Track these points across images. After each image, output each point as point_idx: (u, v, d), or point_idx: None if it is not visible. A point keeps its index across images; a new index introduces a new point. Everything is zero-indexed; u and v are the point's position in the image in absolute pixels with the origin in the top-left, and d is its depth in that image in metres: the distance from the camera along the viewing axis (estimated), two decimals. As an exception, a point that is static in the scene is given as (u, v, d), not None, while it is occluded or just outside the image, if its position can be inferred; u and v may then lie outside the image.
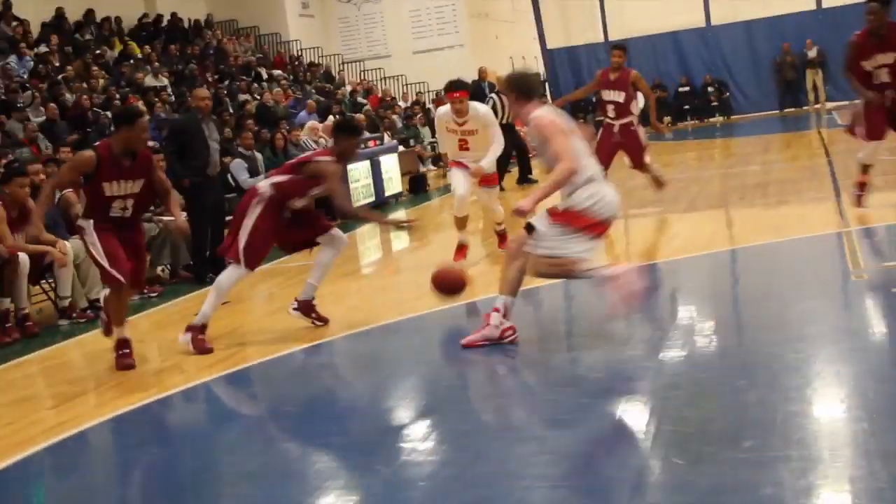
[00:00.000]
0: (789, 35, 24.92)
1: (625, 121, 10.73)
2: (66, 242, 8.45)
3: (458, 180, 8.53)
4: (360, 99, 22.70)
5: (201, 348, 6.50)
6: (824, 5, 24.84)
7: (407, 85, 25.56)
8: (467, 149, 8.47)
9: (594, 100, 11.38)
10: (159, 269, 9.74)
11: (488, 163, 8.36)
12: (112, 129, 14.47)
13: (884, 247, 7.69)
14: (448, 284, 6.19)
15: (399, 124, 20.99)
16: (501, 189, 12.77)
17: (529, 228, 5.55)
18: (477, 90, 14.89)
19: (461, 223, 8.73)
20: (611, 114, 10.78)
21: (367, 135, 17.84)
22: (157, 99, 16.59)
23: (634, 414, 4.40)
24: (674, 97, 26.04)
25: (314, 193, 6.73)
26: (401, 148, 18.09)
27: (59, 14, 19.36)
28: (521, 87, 5.70)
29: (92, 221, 6.25)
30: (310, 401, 5.49)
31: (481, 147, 8.37)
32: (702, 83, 25.91)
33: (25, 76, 16.00)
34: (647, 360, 5.24)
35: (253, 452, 4.64)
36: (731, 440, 3.86)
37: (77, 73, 16.77)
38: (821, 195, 10.46)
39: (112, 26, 20.47)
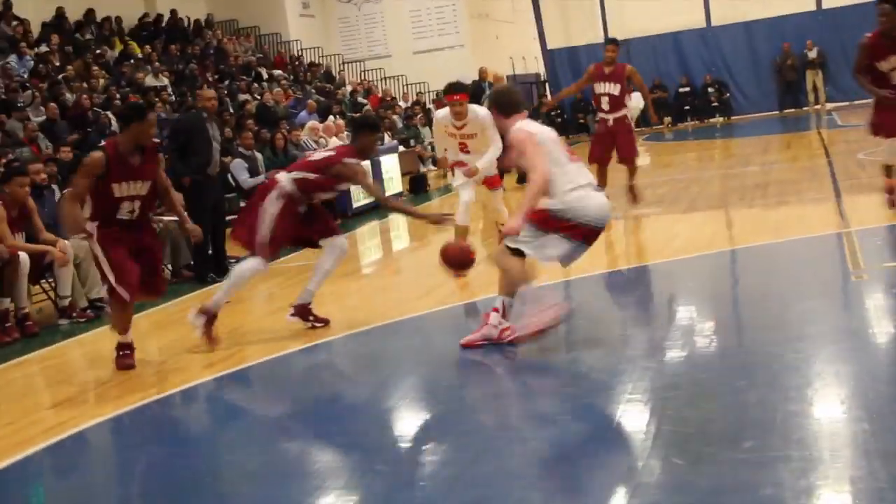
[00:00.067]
0: (789, 36, 24.92)
1: (619, 114, 10.72)
2: (66, 242, 8.45)
3: (464, 185, 8.43)
4: (360, 99, 22.70)
5: (208, 338, 6.57)
6: (824, 6, 24.85)
7: (407, 85, 25.56)
8: (468, 152, 8.42)
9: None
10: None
11: (483, 164, 8.33)
12: (115, 127, 14.57)
13: (884, 247, 7.69)
14: (456, 258, 6.21)
15: (399, 124, 21.00)
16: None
17: None
18: (477, 90, 14.87)
19: (463, 231, 8.50)
20: (605, 106, 10.76)
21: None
22: (157, 99, 16.59)
23: (634, 414, 4.40)
24: (674, 98, 26.04)
25: (340, 189, 6.81)
26: (401, 148, 18.10)
27: (60, 14, 19.36)
28: (502, 103, 5.91)
29: (97, 224, 6.19)
30: (310, 401, 5.49)
31: (481, 150, 8.35)
32: (702, 84, 25.92)
33: (26, 76, 16.00)
34: (647, 360, 5.24)
35: (253, 452, 4.64)
36: (731, 440, 3.86)
37: (77, 72, 16.77)
38: (821, 196, 10.46)
39: (112, 26, 20.47)
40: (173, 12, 22.41)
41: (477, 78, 17.72)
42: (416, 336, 6.63)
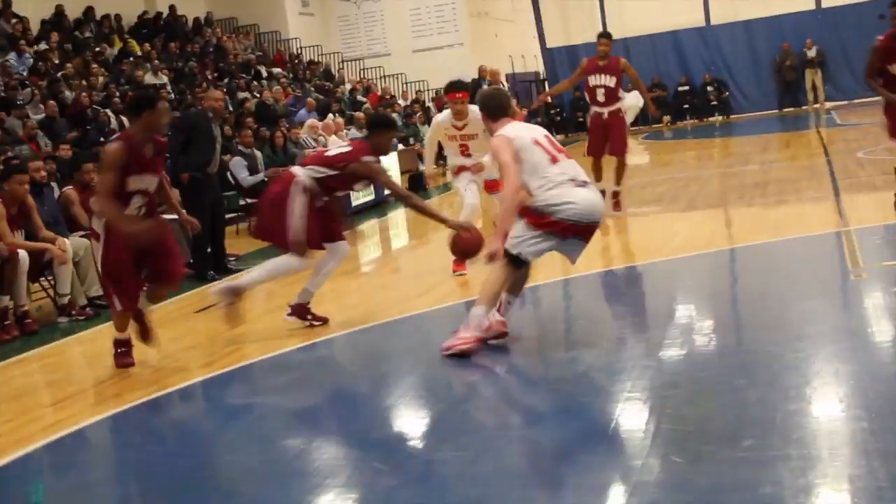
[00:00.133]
0: (789, 35, 24.93)
1: (613, 107, 10.69)
2: (65, 240, 8.46)
3: (469, 190, 8.29)
4: (359, 97, 22.70)
5: (230, 315, 6.69)
6: (824, 5, 24.86)
7: (406, 83, 25.55)
8: (468, 154, 8.35)
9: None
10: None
11: (488, 161, 8.29)
12: (114, 125, 14.57)
13: (883, 246, 7.69)
14: (466, 247, 6.22)
15: (398, 123, 21.00)
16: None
17: None
18: (477, 88, 14.87)
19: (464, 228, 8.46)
20: (601, 98, 10.70)
21: (366, 133, 17.86)
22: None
23: (634, 412, 4.40)
24: (673, 96, 26.05)
25: (356, 188, 6.82)
26: (400, 146, 18.08)
27: (59, 11, 19.35)
28: (490, 107, 5.95)
29: (105, 222, 6.08)
30: (309, 399, 5.49)
31: (482, 152, 8.29)
32: (701, 82, 25.93)
33: (25, 73, 16.00)
34: (646, 358, 5.24)
35: (252, 450, 4.64)
36: (730, 439, 3.87)
37: (77, 70, 16.76)
38: (820, 195, 10.46)
39: (112, 24, 20.46)
40: (173, 10, 22.40)
41: (477, 76, 17.73)
42: (416, 334, 6.63)
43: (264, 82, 20.63)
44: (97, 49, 18.53)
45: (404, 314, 7.03)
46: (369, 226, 12.38)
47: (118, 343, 6.35)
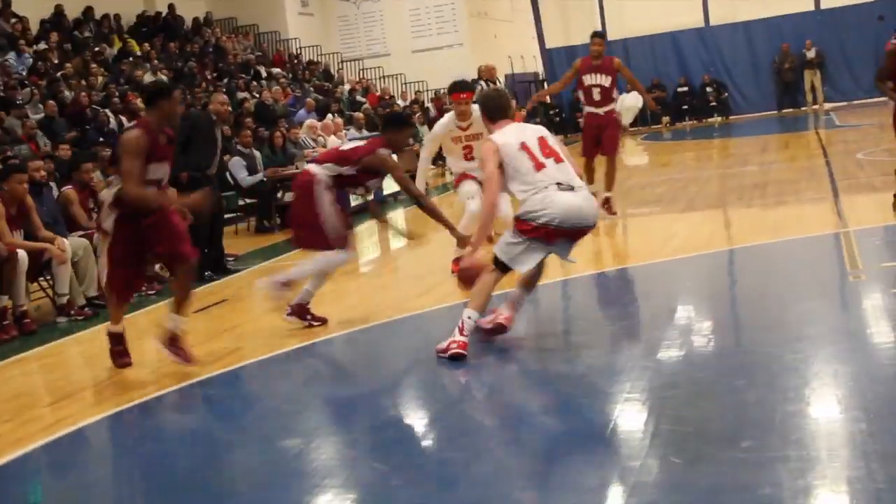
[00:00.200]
0: (788, 36, 24.93)
1: (608, 107, 10.66)
2: (64, 240, 8.46)
3: (471, 195, 8.19)
4: (358, 97, 22.70)
5: (287, 305, 6.82)
6: (823, 6, 24.86)
7: (406, 84, 25.56)
8: (472, 158, 8.29)
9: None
10: (157, 266, 9.72)
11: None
12: (113, 125, 14.57)
13: (882, 247, 7.70)
14: (473, 277, 6.27)
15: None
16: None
17: None
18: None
19: (467, 240, 8.41)
20: (596, 97, 10.64)
21: (365, 133, 17.86)
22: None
23: (633, 413, 4.40)
24: (672, 97, 26.05)
25: (370, 185, 6.87)
26: (400, 147, 18.04)
27: (59, 11, 19.36)
28: (489, 108, 5.96)
29: (116, 216, 5.94)
30: (308, 399, 5.49)
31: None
32: (700, 83, 25.93)
33: (24, 73, 16.00)
34: (645, 359, 5.25)
35: (252, 450, 4.64)
36: (729, 440, 3.87)
37: (76, 70, 16.77)
38: (819, 196, 10.46)
39: (111, 24, 20.47)
40: (172, 10, 22.41)
41: (476, 77, 17.72)
42: (416, 335, 6.63)
43: (263, 82, 20.64)
44: (96, 49, 18.54)
45: (404, 314, 7.03)
46: (368, 226, 12.37)
47: (113, 338, 6.30)
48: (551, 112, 25.97)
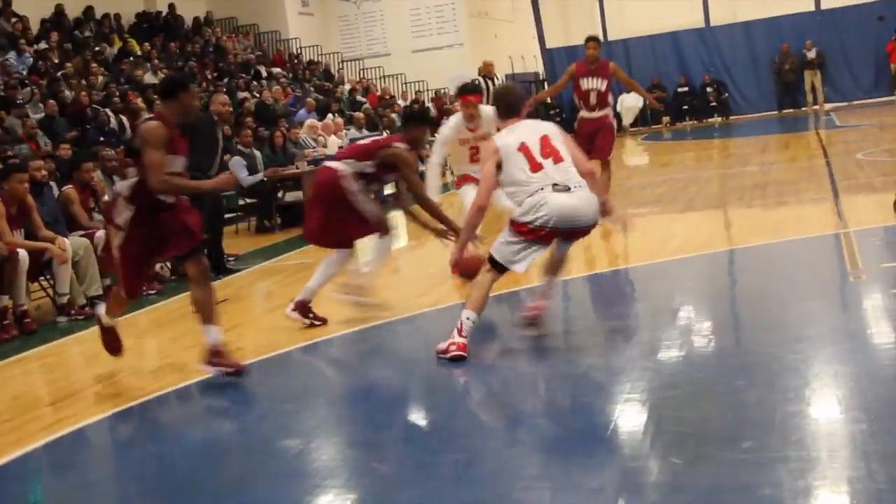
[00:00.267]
0: (788, 36, 24.93)
1: (601, 113, 10.65)
2: (64, 239, 8.46)
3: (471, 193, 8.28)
4: (359, 97, 22.71)
5: (362, 302, 7.01)
6: (823, 6, 24.87)
7: (406, 84, 25.56)
8: (477, 160, 8.24)
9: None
10: (158, 266, 9.73)
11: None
12: (114, 125, 14.57)
13: (882, 248, 7.70)
14: (469, 268, 6.28)
15: (398, 123, 20.97)
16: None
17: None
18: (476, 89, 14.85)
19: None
20: (593, 101, 10.63)
21: (366, 133, 17.86)
22: (156, 96, 16.57)
23: (633, 414, 4.40)
24: (673, 97, 26.05)
25: (387, 179, 6.91)
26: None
27: (59, 11, 19.36)
28: (498, 104, 6.01)
29: (131, 214, 5.72)
30: (308, 399, 5.49)
31: None
32: (701, 83, 25.93)
33: (25, 73, 16.01)
34: (645, 360, 5.24)
35: (251, 451, 4.64)
36: (729, 440, 3.87)
37: (76, 69, 16.77)
38: (819, 196, 10.46)
39: (111, 23, 20.47)
40: (172, 9, 22.41)
41: (476, 75, 17.71)
42: (415, 334, 6.64)
43: (264, 82, 20.64)
44: (97, 48, 18.54)
45: (404, 315, 7.03)
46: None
47: (104, 330, 6.19)
48: (552, 112, 25.96)
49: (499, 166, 5.59)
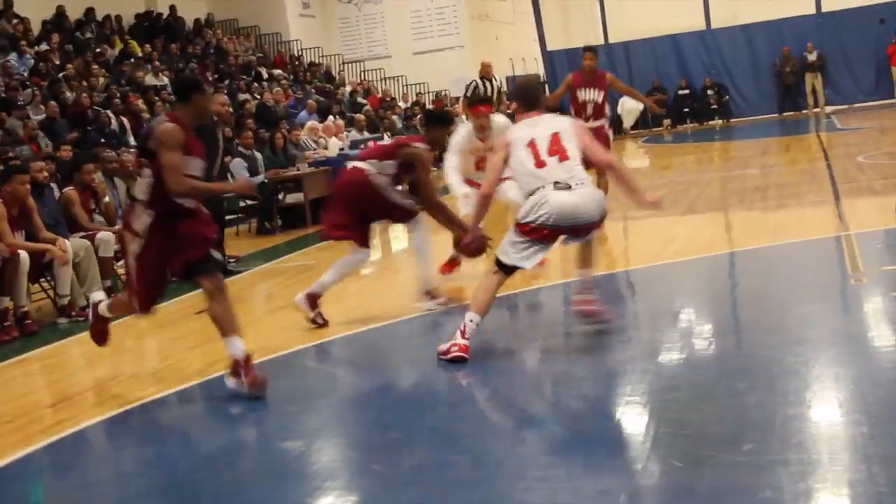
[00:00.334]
0: (789, 39, 24.92)
1: (597, 123, 10.63)
2: (65, 241, 8.46)
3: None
4: (359, 99, 22.72)
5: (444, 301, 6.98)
6: (824, 9, 24.86)
7: (407, 86, 25.58)
8: (482, 168, 8.20)
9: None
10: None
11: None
12: (115, 126, 14.58)
13: (883, 251, 7.70)
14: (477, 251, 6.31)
15: (399, 125, 21.00)
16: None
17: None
18: (475, 91, 14.90)
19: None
20: (589, 112, 10.63)
21: (367, 135, 17.87)
22: (157, 98, 16.62)
23: (633, 416, 4.40)
24: (673, 100, 26.03)
25: (406, 177, 6.91)
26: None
27: (60, 12, 19.38)
28: (518, 97, 6.08)
29: (151, 219, 5.50)
30: (309, 400, 5.49)
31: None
32: (701, 86, 25.91)
33: (26, 74, 16.03)
34: (646, 362, 5.25)
35: (252, 452, 4.64)
36: (730, 443, 3.87)
37: (77, 71, 16.78)
38: (820, 199, 10.46)
39: (112, 25, 20.49)
40: (173, 11, 22.43)
41: (477, 78, 17.71)
42: (416, 337, 6.64)
43: (265, 84, 20.66)
44: (98, 50, 18.56)
45: (404, 317, 7.03)
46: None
47: (96, 318, 6.14)
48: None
49: (507, 160, 5.63)
